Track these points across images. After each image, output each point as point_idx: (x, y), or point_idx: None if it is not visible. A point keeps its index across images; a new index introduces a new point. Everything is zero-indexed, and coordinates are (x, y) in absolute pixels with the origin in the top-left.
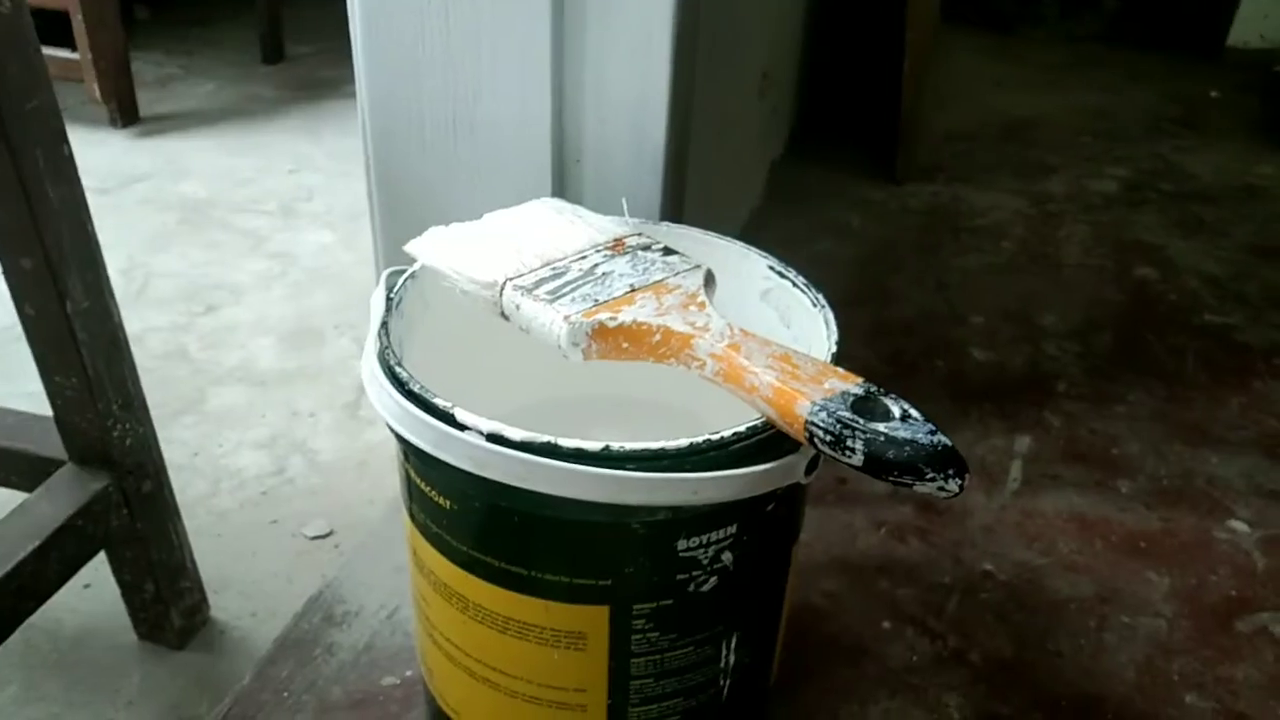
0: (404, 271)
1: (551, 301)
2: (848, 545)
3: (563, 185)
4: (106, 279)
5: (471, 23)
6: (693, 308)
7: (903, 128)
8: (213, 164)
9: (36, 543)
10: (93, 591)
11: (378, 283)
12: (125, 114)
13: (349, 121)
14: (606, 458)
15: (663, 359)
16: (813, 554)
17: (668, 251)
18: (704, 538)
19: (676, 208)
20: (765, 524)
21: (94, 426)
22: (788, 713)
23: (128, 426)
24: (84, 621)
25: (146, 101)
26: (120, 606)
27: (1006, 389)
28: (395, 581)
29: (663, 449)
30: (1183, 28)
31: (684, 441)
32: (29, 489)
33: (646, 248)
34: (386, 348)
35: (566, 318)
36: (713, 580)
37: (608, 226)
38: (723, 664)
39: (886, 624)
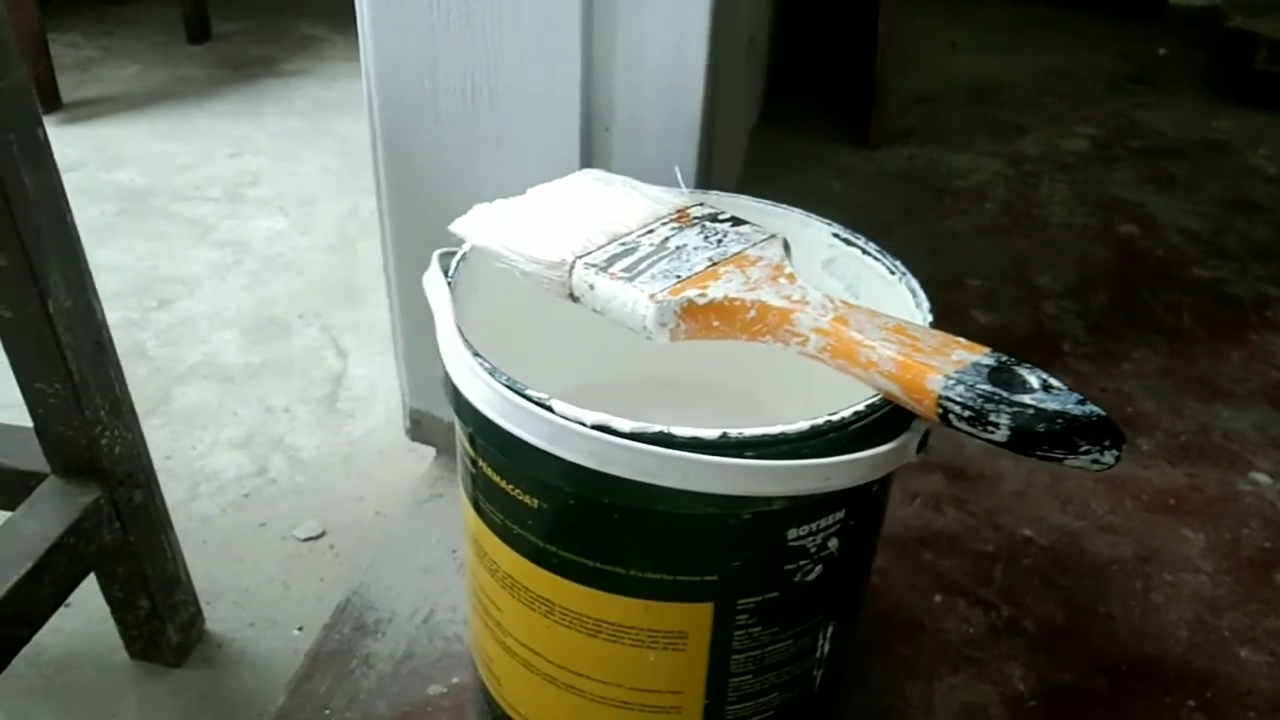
0: (454, 253)
1: (630, 280)
2: (887, 518)
3: (590, 155)
4: (89, 273)
5: None
6: (782, 280)
7: (877, 92)
8: (147, 150)
9: (29, 565)
10: (74, 609)
11: (386, 262)
12: (46, 100)
13: (289, 102)
14: (724, 445)
15: (757, 336)
16: None
17: (736, 221)
18: (814, 525)
19: (707, 176)
20: (868, 506)
21: (80, 435)
22: (859, 696)
23: (116, 433)
24: (69, 643)
25: (67, 86)
26: (106, 625)
27: (1014, 351)
28: (424, 584)
29: (783, 433)
30: None
31: (804, 425)
32: (9, 506)
33: (713, 218)
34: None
35: (652, 296)
36: (818, 569)
37: (665, 197)
38: (819, 654)
39: (938, 597)
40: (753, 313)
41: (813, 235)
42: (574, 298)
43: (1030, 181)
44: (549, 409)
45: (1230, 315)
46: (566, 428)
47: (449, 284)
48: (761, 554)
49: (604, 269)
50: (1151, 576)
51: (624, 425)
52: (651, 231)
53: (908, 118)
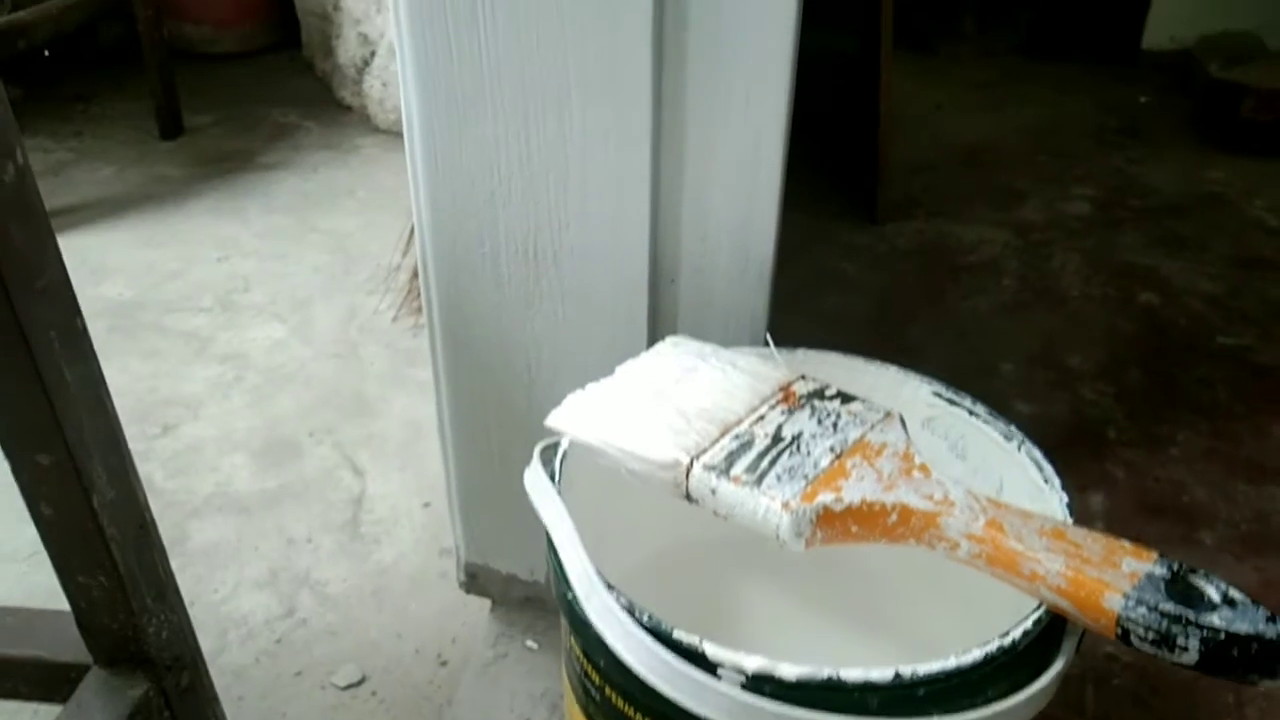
0: (554, 445)
1: (756, 484)
2: None
3: (657, 308)
4: (129, 455)
5: (558, 150)
6: (916, 473)
7: (881, 169)
8: (132, 259)
9: None
10: None
11: (440, 416)
12: None
13: (271, 198)
14: (899, 686)
15: (899, 539)
16: None
17: (845, 398)
18: None
19: (771, 320)
20: None
21: (125, 626)
22: None
23: (162, 618)
24: None
25: (41, 193)
26: None
27: (1060, 442)
28: None
29: (957, 667)
30: (1098, 35)
31: (976, 654)
32: (48, 698)
33: (820, 394)
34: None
35: (786, 504)
36: None
37: (763, 370)
38: None
39: None
40: (894, 517)
41: (910, 392)
42: (690, 498)
43: (1041, 252)
44: (701, 659)
45: (1263, 386)
46: (724, 694)
47: (558, 490)
48: None
49: (724, 471)
50: (1242, 690)
51: (790, 671)
52: (761, 418)
53: (908, 188)
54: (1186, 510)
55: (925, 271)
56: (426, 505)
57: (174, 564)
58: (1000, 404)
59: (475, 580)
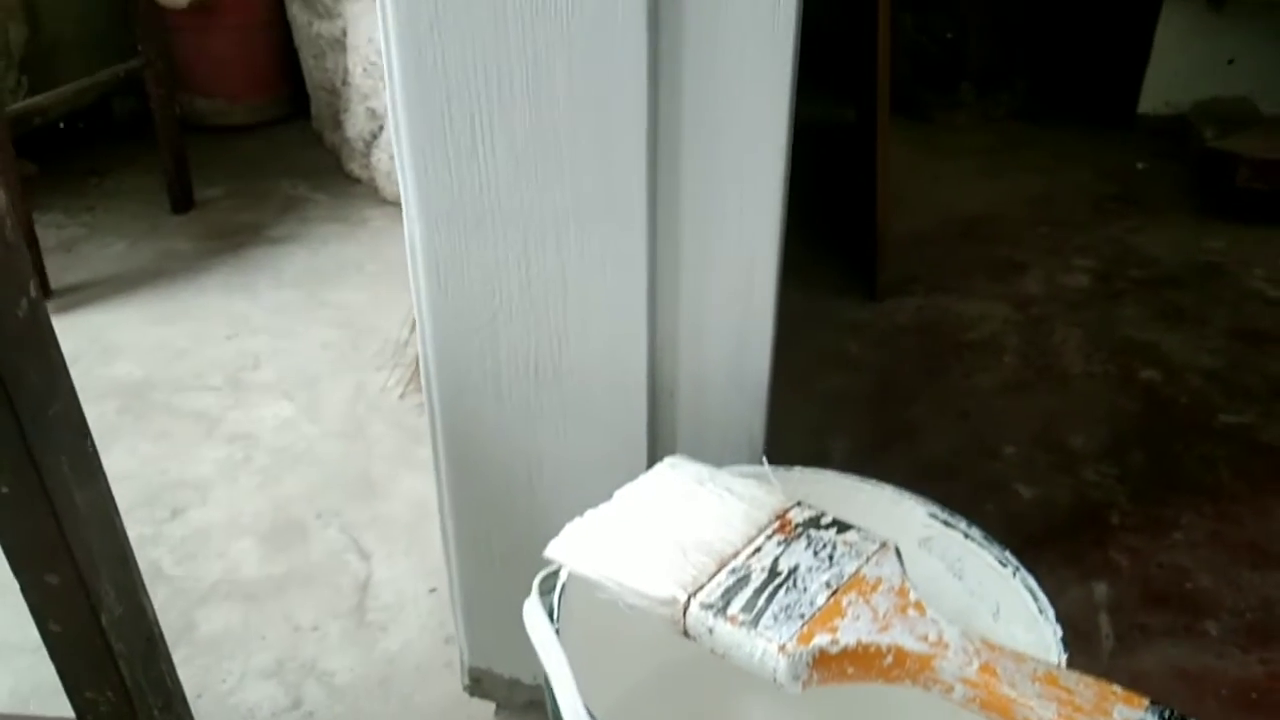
0: (555, 574)
1: (753, 624)
2: None
3: (655, 420)
4: (138, 571)
5: (557, 274)
6: (912, 611)
7: (880, 246)
8: (142, 337)
9: None
10: None
11: (444, 523)
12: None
13: (281, 272)
14: None
15: (894, 681)
16: None
17: (841, 527)
18: None
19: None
20: None
21: None
22: None
23: None
24: None
25: (55, 270)
26: None
27: (1064, 529)
28: None
29: None
30: (1095, 100)
31: None
32: None
33: (815, 523)
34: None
35: (782, 648)
36: None
37: (759, 496)
38: None
39: None
40: (889, 659)
41: (905, 513)
42: (688, 635)
43: (1042, 327)
44: None
45: (1266, 466)
46: None
47: (557, 622)
48: None
49: (721, 610)
50: None
51: None
52: (758, 550)
53: (907, 262)
54: (1191, 598)
55: (926, 349)
56: (432, 591)
57: (181, 654)
58: (1003, 487)
59: (479, 685)
